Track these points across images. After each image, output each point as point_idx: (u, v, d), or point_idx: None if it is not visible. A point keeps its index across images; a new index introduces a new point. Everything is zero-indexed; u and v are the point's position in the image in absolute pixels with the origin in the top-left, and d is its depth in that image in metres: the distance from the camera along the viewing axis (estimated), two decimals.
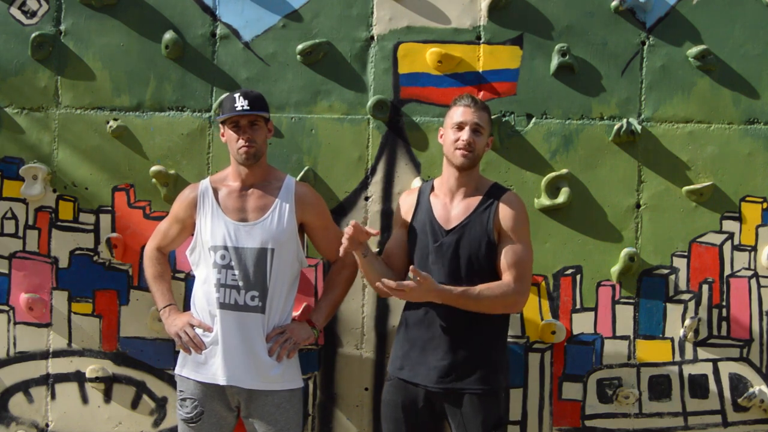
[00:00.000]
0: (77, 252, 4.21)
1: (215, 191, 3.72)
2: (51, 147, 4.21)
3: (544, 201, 4.11)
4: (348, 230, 3.47)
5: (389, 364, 3.69)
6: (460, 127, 3.55)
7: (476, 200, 3.59)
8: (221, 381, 3.63)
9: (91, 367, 4.20)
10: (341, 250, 3.53)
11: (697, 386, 4.16)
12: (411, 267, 3.40)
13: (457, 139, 3.54)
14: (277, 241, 3.64)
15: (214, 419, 3.69)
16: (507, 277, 3.50)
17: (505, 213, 3.54)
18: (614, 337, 4.16)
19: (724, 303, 4.15)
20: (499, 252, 3.54)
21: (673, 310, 4.15)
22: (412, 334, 3.59)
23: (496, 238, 3.55)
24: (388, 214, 4.14)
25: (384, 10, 4.16)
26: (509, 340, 4.11)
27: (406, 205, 3.73)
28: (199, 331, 3.68)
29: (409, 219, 3.68)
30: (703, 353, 4.16)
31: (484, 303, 3.47)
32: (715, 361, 4.15)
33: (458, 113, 3.57)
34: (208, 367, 3.66)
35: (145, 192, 4.19)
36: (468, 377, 3.51)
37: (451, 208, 3.60)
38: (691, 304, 4.15)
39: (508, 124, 4.14)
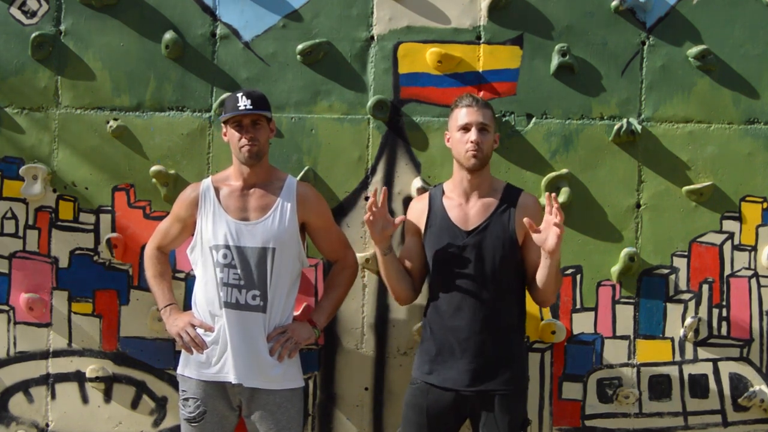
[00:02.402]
0: (77, 252, 4.21)
1: (217, 190, 3.72)
2: (51, 147, 4.21)
3: (544, 201, 4.11)
4: (371, 205, 3.46)
5: (415, 368, 3.67)
6: (466, 128, 3.55)
7: (493, 201, 3.59)
8: (232, 379, 3.63)
9: (91, 367, 4.20)
10: (365, 218, 3.49)
11: (697, 386, 4.16)
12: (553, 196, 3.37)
13: (466, 141, 3.54)
14: (278, 241, 3.64)
15: (216, 418, 3.69)
16: None
17: (528, 215, 3.49)
18: (614, 337, 4.16)
19: (724, 303, 4.15)
20: (530, 252, 3.55)
21: (673, 310, 4.16)
22: (440, 338, 3.58)
23: (521, 237, 3.56)
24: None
25: (384, 10, 4.16)
26: None
27: (417, 211, 3.71)
28: (200, 331, 3.68)
29: (422, 225, 3.67)
30: (703, 353, 4.16)
31: (558, 281, 3.57)
32: (715, 361, 4.16)
33: (462, 114, 3.57)
34: (211, 366, 3.66)
35: (145, 192, 4.18)
36: (498, 378, 3.52)
37: (468, 209, 3.60)
38: (691, 304, 4.15)
39: (508, 124, 4.14)
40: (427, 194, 3.75)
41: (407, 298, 3.71)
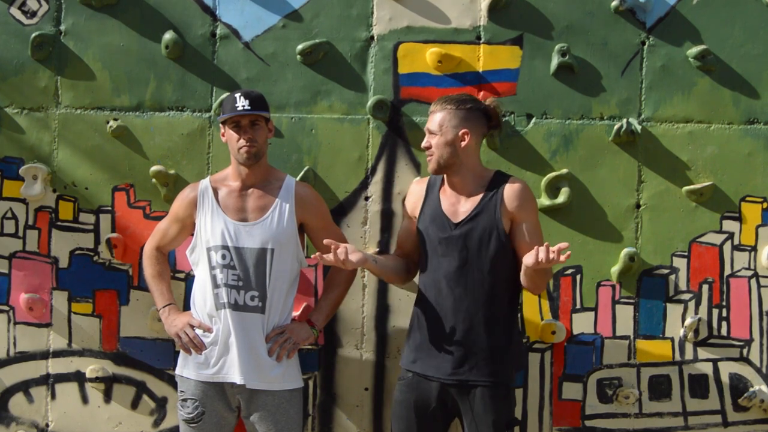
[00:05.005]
0: (77, 252, 4.21)
1: (215, 191, 3.73)
2: (51, 147, 4.21)
3: (544, 201, 4.11)
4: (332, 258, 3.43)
5: (402, 359, 3.69)
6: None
7: (482, 191, 3.59)
8: (237, 380, 3.63)
9: (91, 367, 4.20)
10: (323, 258, 3.46)
11: (697, 386, 4.16)
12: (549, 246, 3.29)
13: None
14: (277, 242, 3.64)
15: (215, 419, 3.69)
16: None
17: (513, 200, 3.53)
18: (614, 337, 4.16)
19: (724, 303, 4.15)
20: (519, 237, 3.53)
21: (673, 310, 4.15)
22: (424, 326, 3.60)
23: (507, 225, 3.54)
24: (388, 214, 4.14)
25: (384, 10, 4.16)
26: None
27: (415, 194, 3.75)
28: (198, 331, 3.68)
29: (418, 209, 3.69)
30: (703, 353, 4.16)
31: (546, 279, 3.56)
32: (715, 361, 4.15)
33: None
34: (209, 367, 3.66)
35: (145, 192, 4.18)
36: (480, 369, 3.51)
37: (458, 201, 3.61)
38: (691, 304, 4.15)
39: (508, 124, 4.14)
40: (426, 179, 3.76)
41: (404, 281, 3.80)
